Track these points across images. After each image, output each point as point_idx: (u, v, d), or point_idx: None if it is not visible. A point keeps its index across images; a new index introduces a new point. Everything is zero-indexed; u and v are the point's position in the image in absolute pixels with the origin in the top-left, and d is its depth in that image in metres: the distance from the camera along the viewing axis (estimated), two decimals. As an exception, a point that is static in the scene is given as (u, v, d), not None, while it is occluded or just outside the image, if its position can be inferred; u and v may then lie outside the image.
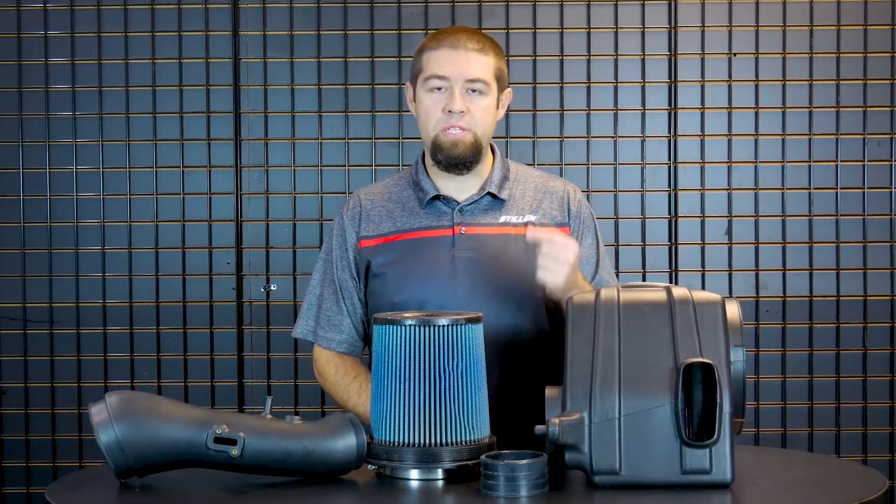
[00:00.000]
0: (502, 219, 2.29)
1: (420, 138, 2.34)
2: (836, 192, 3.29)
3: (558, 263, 2.08)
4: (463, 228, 2.27)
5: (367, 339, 2.36)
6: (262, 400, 3.23)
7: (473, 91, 2.23)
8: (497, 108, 2.30)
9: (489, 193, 2.29)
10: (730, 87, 3.30)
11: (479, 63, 2.23)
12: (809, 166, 3.30)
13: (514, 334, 2.23)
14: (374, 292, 2.30)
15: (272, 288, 3.31)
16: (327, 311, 2.34)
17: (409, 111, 3.27)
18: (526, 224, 2.28)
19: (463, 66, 2.22)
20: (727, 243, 3.30)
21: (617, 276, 3.23)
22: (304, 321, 2.37)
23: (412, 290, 2.23)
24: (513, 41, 3.30)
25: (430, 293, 2.22)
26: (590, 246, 2.34)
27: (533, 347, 2.26)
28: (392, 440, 1.78)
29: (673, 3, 3.30)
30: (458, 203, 2.29)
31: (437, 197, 2.30)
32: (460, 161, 2.25)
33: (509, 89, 2.34)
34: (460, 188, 2.30)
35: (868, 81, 3.29)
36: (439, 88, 2.24)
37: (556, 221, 2.31)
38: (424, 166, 2.34)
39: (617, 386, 1.71)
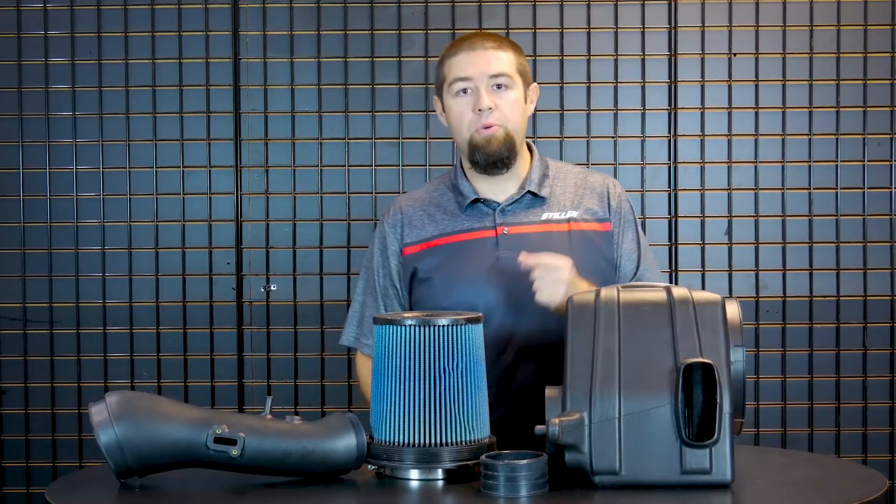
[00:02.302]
0: (544, 216, 2.30)
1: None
2: (836, 192, 3.29)
3: (554, 284, 2.09)
4: (506, 228, 2.28)
5: None
6: (262, 400, 3.23)
7: (499, 87, 2.26)
8: (525, 102, 2.32)
9: (529, 192, 2.30)
10: (730, 87, 3.30)
11: (498, 59, 2.26)
12: (809, 166, 3.29)
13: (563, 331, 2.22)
14: (421, 298, 2.30)
15: (272, 288, 3.31)
16: (369, 319, 2.36)
17: (409, 111, 3.30)
18: (569, 220, 2.29)
19: (483, 64, 2.25)
20: (727, 243, 3.30)
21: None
22: (349, 328, 2.41)
23: (460, 293, 2.24)
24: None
25: (478, 295, 2.22)
26: (631, 241, 2.34)
27: None
28: (392, 440, 1.78)
29: (673, 3, 3.30)
30: (498, 204, 2.30)
31: (477, 199, 2.31)
32: (497, 157, 2.26)
33: (535, 84, 2.35)
34: (500, 189, 2.31)
35: (868, 81, 3.29)
36: (465, 91, 2.26)
37: (598, 217, 2.32)
38: (463, 170, 2.35)
39: (617, 386, 1.71)
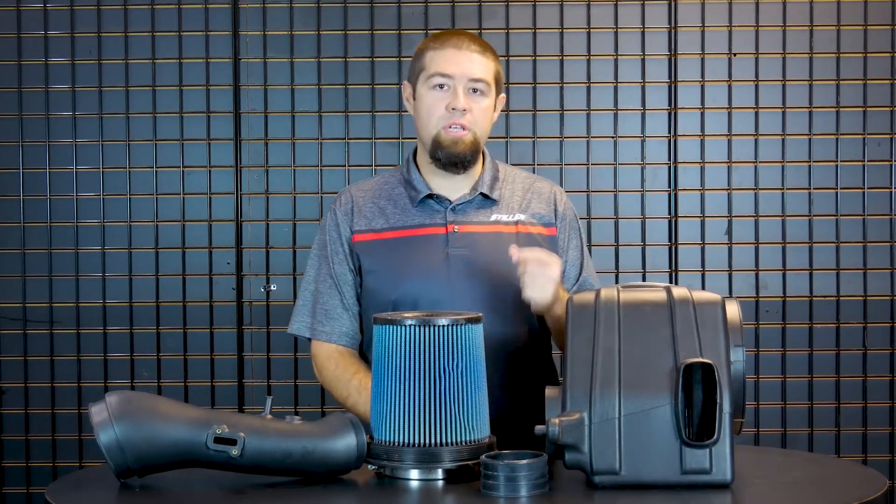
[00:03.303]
0: (493, 217, 2.31)
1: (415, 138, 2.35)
2: (836, 192, 3.29)
3: (545, 280, 2.10)
4: (456, 227, 2.29)
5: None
6: (262, 400, 3.23)
7: (475, 91, 2.27)
8: (493, 110, 2.34)
9: (481, 194, 2.32)
10: (730, 87, 3.30)
11: (481, 64, 2.27)
12: (809, 166, 3.29)
13: (511, 331, 2.25)
14: (368, 289, 2.31)
15: (272, 288, 3.31)
16: (324, 306, 2.34)
17: (408, 111, 3.29)
18: (517, 223, 2.31)
19: (467, 66, 2.26)
20: (727, 243, 3.30)
21: (616, 277, 3.25)
22: (301, 318, 2.37)
23: (407, 287, 2.24)
24: (513, 41, 3.30)
25: (426, 291, 2.23)
26: (575, 248, 2.38)
27: (528, 343, 2.29)
28: (392, 440, 1.78)
29: (673, 3, 3.30)
30: (450, 202, 2.31)
31: (429, 196, 2.31)
32: (459, 159, 2.27)
33: (503, 94, 2.38)
34: (452, 188, 2.33)
35: (868, 81, 3.29)
36: (442, 86, 2.27)
37: (544, 221, 2.34)
38: (416, 165, 2.36)
39: (617, 386, 1.71)
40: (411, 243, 2.29)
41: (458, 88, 2.25)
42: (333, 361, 2.33)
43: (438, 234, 2.29)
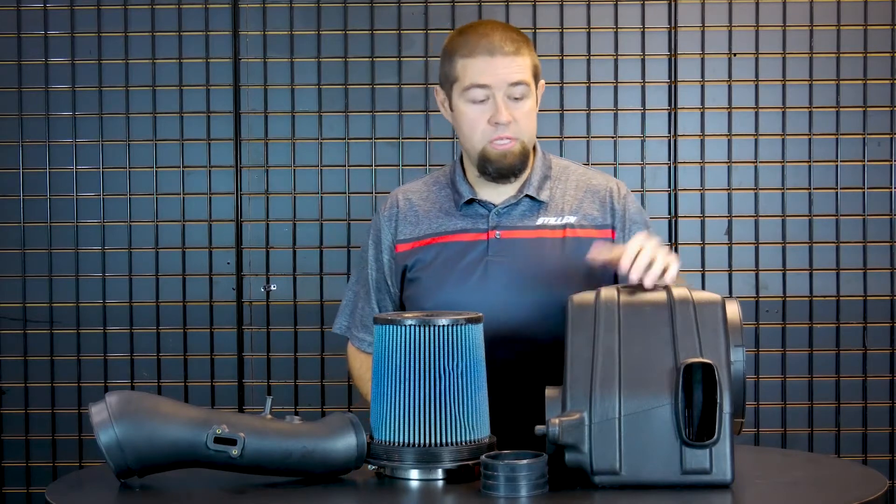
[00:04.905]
0: (540, 221, 2.23)
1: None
2: (836, 192, 3.29)
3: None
4: (498, 232, 2.22)
5: None
6: (262, 400, 3.23)
7: (516, 98, 2.17)
8: (536, 104, 2.24)
9: (527, 196, 2.24)
10: (730, 87, 3.30)
11: (517, 66, 2.17)
12: (809, 166, 3.30)
13: (548, 340, 2.16)
14: (410, 297, 2.27)
15: (272, 288, 3.31)
16: (360, 312, 2.35)
17: (409, 111, 3.30)
18: (564, 227, 2.23)
19: (503, 73, 2.16)
20: (727, 243, 3.30)
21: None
22: (342, 318, 2.39)
23: (444, 295, 2.20)
24: (513, 41, 3.30)
25: (463, 299, 2.17)
26: None
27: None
28: (392, 440, 1.78)
29: (673, 3, 3.30)
30: (494, 205, 2.24)
31: (472, 199, 2.25)
32: (510, 171, 2.20)
33: (542, 80, 2.27)
34: (498, 191, 2.25)
35: (868, 81, 3.29)
36: (481, 99, 2.17)
37: (597, 223, 2.25)
38: (462, 169, 2.29)
39: (617, 386, 1.71)
40: (451, 249, 2.23)
41: (498, 98, 2.15)
42: (359, 361, 2.37)
43: (480, 240, 2.22)
